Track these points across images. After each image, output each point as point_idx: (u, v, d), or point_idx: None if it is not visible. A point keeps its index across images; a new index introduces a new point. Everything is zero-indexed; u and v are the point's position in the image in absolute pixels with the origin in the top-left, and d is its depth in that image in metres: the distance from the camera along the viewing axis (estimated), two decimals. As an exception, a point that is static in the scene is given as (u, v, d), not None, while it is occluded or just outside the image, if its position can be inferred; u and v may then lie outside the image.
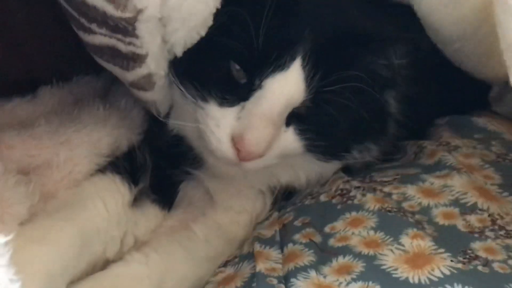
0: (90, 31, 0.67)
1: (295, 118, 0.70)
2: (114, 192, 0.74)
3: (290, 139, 0.71)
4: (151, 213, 0.79)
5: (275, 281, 0.61)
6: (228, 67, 0.68)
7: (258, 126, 0.67)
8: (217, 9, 0.67)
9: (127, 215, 0.75)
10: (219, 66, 0.69)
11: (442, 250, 0.59)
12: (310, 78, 0.67)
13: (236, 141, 0.67)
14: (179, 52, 0.70)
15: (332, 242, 0.65)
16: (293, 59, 0.66)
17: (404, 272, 0.58)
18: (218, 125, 0.69)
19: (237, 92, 0.68)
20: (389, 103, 0.78)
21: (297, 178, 0.81)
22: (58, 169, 0.72)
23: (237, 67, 0.68)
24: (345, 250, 0.63)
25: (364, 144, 0.78)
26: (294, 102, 0.68)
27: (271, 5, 0.65)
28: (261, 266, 0.64)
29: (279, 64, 0.66)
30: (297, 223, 0.71)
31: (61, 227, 0.66)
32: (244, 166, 0.70)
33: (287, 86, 0.67)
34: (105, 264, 0.70)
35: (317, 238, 0.67)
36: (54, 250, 0.62)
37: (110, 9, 0.63)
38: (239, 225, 0.78)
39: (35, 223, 0.65)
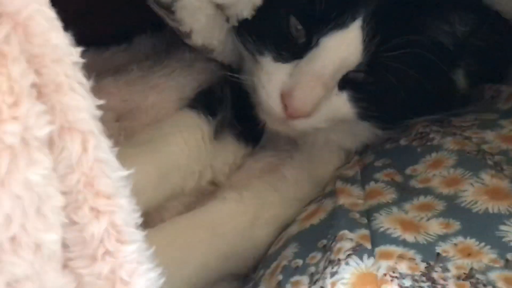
0: None
1: (350, 83, 0.69)
2: (194, 127, 0.77)
3: (341, 103, 0.71)
4: (230, 147, 0.81)
5: (357, 215, 0.63)
6: (288, 22, 0.69)
7: (308, 84, 0.67)
8: None
9: (207, 149, 0.77)
10: (279, 20, 0.70)
11: (520, 189, 0.59)
12: (368, 41, 0.67)
13: (284, 97, 0.68)
14: (246, 15, 0.71)
15: (413, 183, 0.67)
16: (353, 18, 0.66)
17: (483, 203, 0.59)
18: (270, 80, 0.70)
19: (293, 49, 0.69)
20: (456, 81, 0.76)
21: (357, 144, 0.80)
22: (146, 113, 0.77)
23: (297, 23, 0.68)
24: (427, 191, 0.64)
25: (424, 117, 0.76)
26: (349, 64, 0.68)
27: None
28: (343, 201, 0.66)
29: (338, 22, 0.66)
30: (378, 163, 0.73)
31: (143, 159, 0.69)
32: (291, 124, 0.70)
33: (343, 45, 0.67)
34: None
35: (399, 178, 0.68)
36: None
37: None
38: (325, 168, 0.79)
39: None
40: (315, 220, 0.68)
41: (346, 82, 0.70)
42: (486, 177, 0.62)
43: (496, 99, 0.80)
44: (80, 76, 0.41)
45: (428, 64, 0.69)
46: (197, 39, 0.71)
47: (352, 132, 0.78)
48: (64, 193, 0.41)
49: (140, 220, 0.44)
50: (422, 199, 0.64)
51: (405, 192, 0.66)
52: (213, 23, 0.71)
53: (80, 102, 0.40)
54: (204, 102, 0.80)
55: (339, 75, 0.69)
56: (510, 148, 0.67)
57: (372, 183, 0.69)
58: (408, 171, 0.69)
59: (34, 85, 0.38)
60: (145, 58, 0.84)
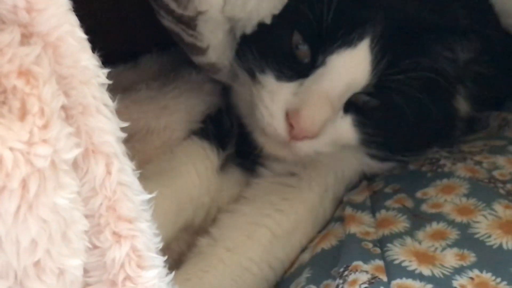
0: (160, 15, 0.69)
1: (355, 107, 0.68)
2: (204, 158, 0.76)
3: (345, 127, 0.69)
4: (235, 179, 0.79)
5: (370, 245, 0.62)
6: (291, 39, 0.67)
7: (316, 103, 0.65)
8: None
9: (215, 181, 0.76)
10: (283, 37, 0.68)
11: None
12: (376, 62, 0.65)
13: (290, 116, 0.66)
14: (248, 31, 0.70)
15: (424, 207, 0.66)
16: (361, 38, 0.65)
17: (497, 238, 0.58)
18: (273, 99, 0.67)
19: (297, 67, 0.67)
20: (458, 108, 0.75)
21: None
22: (158, 135, 0.76)
23: (301, 40, 0.66)
24: (439, 217, 0.64)
25: (425, 149, 0.75)
26: (356, 84, 0.66)
27: None
28: (355, 230, 0.65)
29: (346, 40, 0.65)
30: (388, 189, 0.72)
31: (160, 192, 0.69)
32: (294, 147, 0.68)
33: (352, 65, 0.65)
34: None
35: (409, 203, 0.68)
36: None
37: (173, 6, 0.65)
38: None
39: None
40: (326, 245, 0.67)
41: (351, 105, 0.68)
42: (499, 208, 0.62)
43: (504, 127, 0.79)
44: (106, 97, 0.40)
45: (433, 90, 0.68)
46: (212, 56, 0.70)
47: (349, 162, 0.77)
48: (86, 216, 0.40)
49: (160, 245, 0.44)
50: (435, 225, 0.63)
51: (417, 219, 0.65)
52: (227, 40, 0.70)
53: (106, 124, 0.40)
54: (214, 132, 0.79)
55: (346, 97, 0.67)
56: (521, 173, 0.67)
57: (383, 211, 0.68)
58: (418, 194, 0.68)
59: (62, 107, 0.37)
60: (152, 78, 0.83)
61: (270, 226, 0.73)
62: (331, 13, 0.64)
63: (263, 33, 0.69)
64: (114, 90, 0.78)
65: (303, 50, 0.67)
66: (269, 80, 0.68)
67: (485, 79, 0.75)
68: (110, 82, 0.40)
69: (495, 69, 0.75)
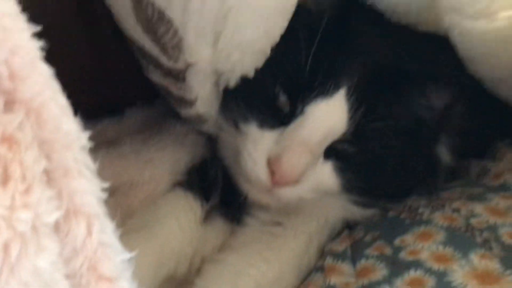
0: (148, 71, 0.72)
1: (335, 153, 0.70)
2: (187, 210, 0.77)
3: (326, 173, 0.70)
4: (219, 229, 0.80)
5: None
6: (273, 90, 0.69)
7: (296, 150, 0.67)
8: None
9: (198, 232, 0.77)
10: (265, 88, 0.70)
11: (509, 272, 0.60)
12: (353, 111, 0.67)
13: (272, 163, 0.67)
14: (231, 84, 0.71)
15: (403, 255, 0.67)
16: (338, 87, 0.67)
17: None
18: (256, 147, 0.69)
19: (278, 116, 0.69)
20: (440, 157, 0.76)
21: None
22: (142, 189, 0.77)
23: (282, 92, 0.68)
24: (416, 264, 0.64)
25: (407, 195, 0.76)
26: (335, 132, 0.68)
27: (324, 32, 0.67)
28: (335, 280, 0.66)
29: (323, 90, 0.67)
30: (367, 238, 0.73)
31: (141, 247, 0.69)
32: (277, 193, 0.70)
33: (328, 114, 0.67)
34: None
35: (388, 251, 0.68)
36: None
37: (163, 59, 0.67)
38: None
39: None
40: (307, 296, 0.67)
41: (332, 152, 0.70)
42: (475, 258, 0.63)
43: (483, 177, 0.80)
44: (87, 159, 0.41)
45: (414, 137, 0.70)
46: (200, 108, 0.72)
47: (333, 209, 0.78)
48: (67, 276, 0.40)
49: (141, 304, 0.44)
50: (412, 273, 0.64)
51: (395, 267, 0.65)
52: (214, 92, 0.72)
53: (87, 186, 0.41)
54: (198, 183, 0.80)
55: (325, 144, 0.69)
56: (498, 222, 0.68)
57: (363, 260, 0.69)
58: (397, 242, 0.69)
59: (44, 171, 0.38)
60: (137, 131, 0.84)
61: (254, 275, 0.74)
62: (309, 63, 0.67)
63: (247, 85, 0.71)
64: (98, 144, 0.79)
65: (283, 100, 0.69)
66: (252, 129, 0.70)
67: (466, 128, 0.76)
68: (91, 145, 0.41)
69: (474, 119, 0.76)
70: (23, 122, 0.37)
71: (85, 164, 0.41)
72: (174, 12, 0.64)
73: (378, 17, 0.71)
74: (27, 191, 0.36)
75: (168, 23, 0.65)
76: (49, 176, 0.39)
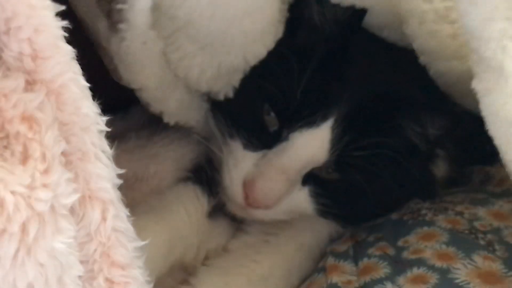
0: None
1: (314, 179, 0.69)
2: (195, 201, 0.76)
3: (302, 198, 0.70)
4: (224, 228, 0.80)
5: None
6: (262, 110, 0.69)
7: (272, 177, 0.66)
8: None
9: (204, 226, 0.76)
10: (254, 107, 0.69)
11: (512, 273, 0.60)
12: (336, 141, 0.66)
13: (246, 185, 0.67)
14: (220, 98, 0.72)
15: (405, 254, 0.67)
16: (325, 119, 0.66)
17: (476, 286, 0.59)
18: (236, 166, 0.69)
19: (263, 138, 0.68)
20: (435, 173, 0.75)
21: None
22: (147, 183, 0.76)
23: (271, 112, 0.68)
24: (419, 262, 0.64)
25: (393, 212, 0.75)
26: (315, 161, 0.67)
27: (320, 58, 0.66)
28: (336, 279, 0.66)
29: (310, 121, 0.66)
30: (370, 238, 0.73)
31: (152, 228, 0.69)
32: (250, 212, 0.70)
33: (312, 143, 0.66)
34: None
35: (391, 251, 0.68)
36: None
37: None
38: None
39: None
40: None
41: (310, 177, 0.69)
42: (479, 259, 0.63)
43: (486, 183, 0.80)
44: (104, 144, 0.41)
45: (403, 160, 0.69)
46: (170, 120, 0.72)
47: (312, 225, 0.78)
48: (81, 262, 0.40)
49: (151, 292, 0.44)
50: (415, 270, 0.63)
51: (398, 265, 0.65)
52: (188, 106, 0.72)
53: (103, 171, 0.41)
54: (205, 180, 0.79)
55: (304, 171, 0.68)
56: (502, 225, 0.68)
57: (365, 259, 0.69)
58: (399, 243, 0.69)
59: (62, 153, 0.38)
60: (142, 127, 0.84)
61: (245, 273, 0.74)
62: (300, 90, 0.66)
63: (236, 102, 0.71)
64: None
65: (272, 118, 0.69)
66: (236, 147, 0.70)
67: (465, 141, 0.75)
68: (109, 129, 0.41)
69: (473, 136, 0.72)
70: (44, 102, 0.37)
71: (102, 149, 0.41)
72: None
73: (378, 40, 0.71)
74: (46, 171, 0.36)
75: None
76: (66, 159, 0.39)
